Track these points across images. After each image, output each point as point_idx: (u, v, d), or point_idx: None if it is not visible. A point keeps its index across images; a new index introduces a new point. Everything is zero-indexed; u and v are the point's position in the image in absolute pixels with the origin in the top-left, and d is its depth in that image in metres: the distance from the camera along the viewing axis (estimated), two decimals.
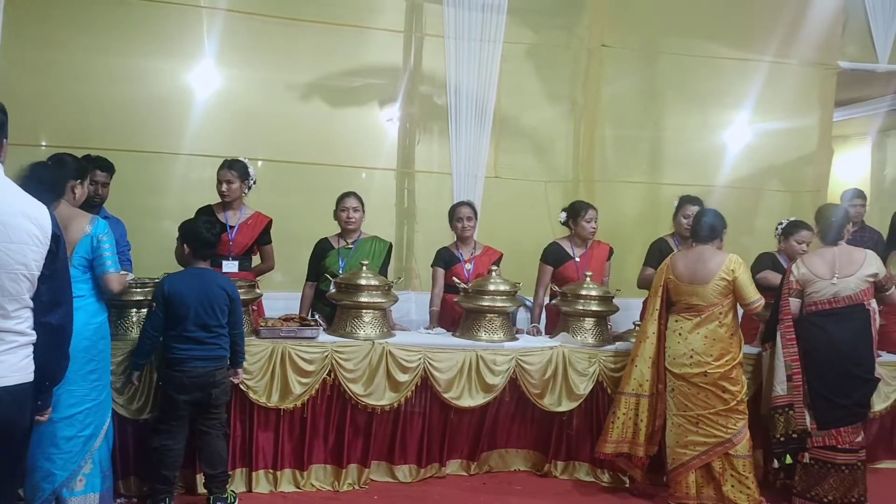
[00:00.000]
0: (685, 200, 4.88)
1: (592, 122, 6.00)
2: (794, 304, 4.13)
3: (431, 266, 4.93)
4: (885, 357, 4.59)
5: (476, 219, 4.96)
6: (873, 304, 4.12)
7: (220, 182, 4.47)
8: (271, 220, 4.63)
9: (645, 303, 4.76)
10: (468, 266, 4.82)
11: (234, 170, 4.48)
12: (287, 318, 4.17)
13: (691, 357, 3.99)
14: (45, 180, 3.06)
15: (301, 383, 3.93)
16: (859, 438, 4.04)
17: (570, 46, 6.13)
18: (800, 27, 6.07)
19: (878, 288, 4.14)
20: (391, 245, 4.85)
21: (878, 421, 4.65)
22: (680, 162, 6.26)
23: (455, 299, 4.55)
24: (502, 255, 4.92)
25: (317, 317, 4.36)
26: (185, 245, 3.70)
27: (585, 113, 6.05)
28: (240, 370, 3.76)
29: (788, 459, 4.14)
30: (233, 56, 5.68)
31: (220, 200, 4.52)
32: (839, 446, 4.00)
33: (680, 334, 4.04)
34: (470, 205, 4.97)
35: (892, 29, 6.24)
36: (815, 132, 6.28)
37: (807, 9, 6.08)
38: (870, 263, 4.11)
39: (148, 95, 5.52)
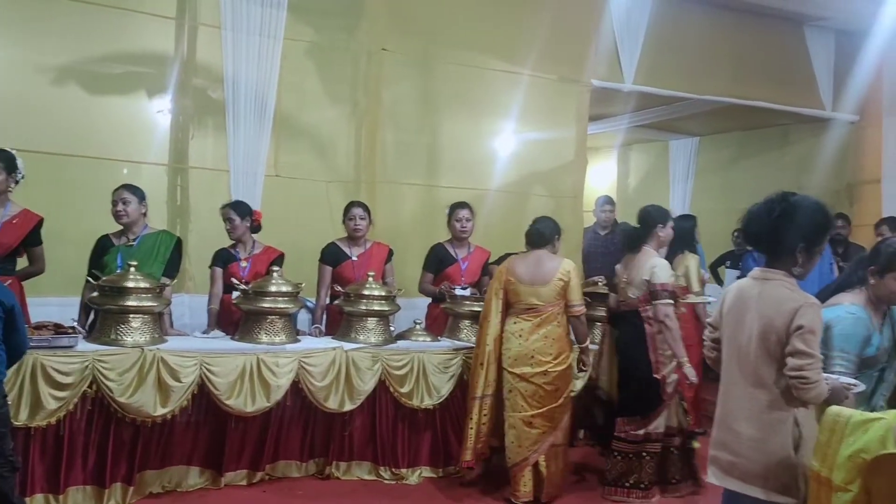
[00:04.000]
0: (456, 206, 5.12)
1: (373, 124, 6.06)
2: None
3: (210, 267, 4.71)
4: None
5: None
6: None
7: None
8: (42, 219, 4.19)
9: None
10: (244, 264, 4.67)
11: (1, 161, 4.01)
12: (39, 326, 3.74)
13: (532, 357, 4.12)
14: None
15: (56, 398, 3.55)
16: (641, 431, 4.27)
17: (350, 48, 6.12)
18: (558, 46, 6.56)
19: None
20: (179, 239, 4.55)
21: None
22: (455, 166, 6.51)
23: (233, 300, 4.37)
24: (283, 254, 4.81)
25: (75, 324, 3.96)
26: None
27: (367, 115, 6.08)
28: None
29: None
30: None
31: None
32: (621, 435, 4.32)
33: (520, 335, 4.16)
34: (234, 206, 4.77)
35: (636, 54, 7.00)
36: (572, 143, 6.82)
37: (564, 30, 6.59)
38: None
39: None
